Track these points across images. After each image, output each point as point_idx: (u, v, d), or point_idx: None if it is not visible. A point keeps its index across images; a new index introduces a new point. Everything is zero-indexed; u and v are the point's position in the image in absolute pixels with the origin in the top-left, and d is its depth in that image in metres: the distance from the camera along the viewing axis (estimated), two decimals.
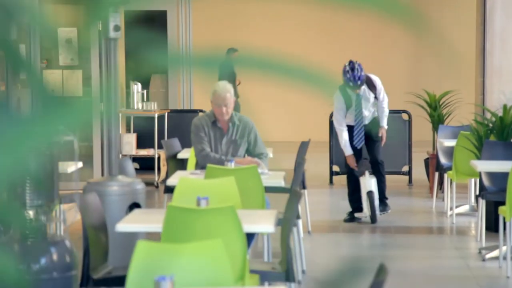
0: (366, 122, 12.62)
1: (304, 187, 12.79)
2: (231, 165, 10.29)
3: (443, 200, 14.45)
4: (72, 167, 10.77)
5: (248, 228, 7.70)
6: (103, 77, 10.89)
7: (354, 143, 12.39)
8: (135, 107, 17.87)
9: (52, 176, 6.84)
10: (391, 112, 17.66)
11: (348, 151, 12.37)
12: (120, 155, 15.35)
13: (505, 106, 11.50)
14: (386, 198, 11.90)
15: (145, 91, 18.17)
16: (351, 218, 12.90)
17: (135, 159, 16.82)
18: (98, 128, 15.11)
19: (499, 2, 15.88)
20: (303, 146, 12.80)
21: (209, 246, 6.25)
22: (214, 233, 7.25)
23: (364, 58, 24.12)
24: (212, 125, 10.84)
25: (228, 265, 6.31)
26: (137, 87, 17.92)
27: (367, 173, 11.07)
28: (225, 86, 10.81)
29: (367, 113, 12.62)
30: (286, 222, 8.27)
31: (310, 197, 14.03)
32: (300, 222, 11.26)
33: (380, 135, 12.44)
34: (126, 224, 7.76)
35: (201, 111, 11.63)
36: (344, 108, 12.41)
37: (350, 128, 12.67)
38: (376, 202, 11.70)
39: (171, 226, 7.46)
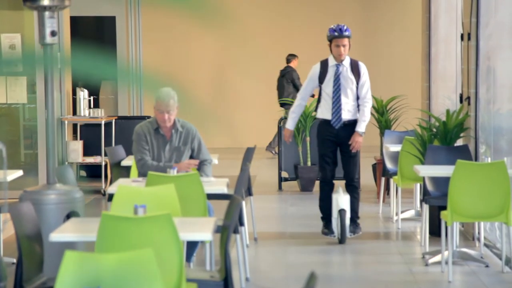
0: (344, 116, 10.91)
1: (250, 194, 12.77)
2: (173, 172, 10.24)
3: (389, 205, 14.53)
4: (12, 175, 10.74)
5: (185, 236, 7.73)
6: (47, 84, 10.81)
7: (332, 122, 10.87)
8: (82, 114, 17.77)
9: None
10: None
11: (288, 124, 11.38)
12: (66, 163, 15.32)
13: (448, 111, 11.57)
14: (358, 218, 10.78)
15: (91, 98, 18.14)
16: (327, 230, 11.44)
17: (82, 166, 16.79)
18: (44, 135, 14.85)
19: (443, 7, 16.09)
20: (249, 152, 12.74)
21: (138, 255, 6.13)
22: (150, 242, 7.07)
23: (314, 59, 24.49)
24: (155, 132, 10.86)
25: (158, 275, 6.18)
26: (83, 94, 17.87)
27: (340, 189, 10.12)
28: (169, 93, 10.73)
29: (345, 100, 10.84)
30: (225, 229, 8.21)
31: (257, 204, 14.02)
32: (245, 229, 11.28)
33: (350, 142, 10.67)
34: (61, 234, 7.66)
35: (149, 117, 11.52)
36: (316, 80, 11.04)
37: (327, 122, 11.06)
38: (347, 221, 10.56)
39: (106, 235, 7.25)
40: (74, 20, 19.06)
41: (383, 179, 14.71)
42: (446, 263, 9.80)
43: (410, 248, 12.36)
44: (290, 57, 22.76)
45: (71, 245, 7.68)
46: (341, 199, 9.99)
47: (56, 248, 7.69)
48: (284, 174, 17.83)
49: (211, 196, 10.05)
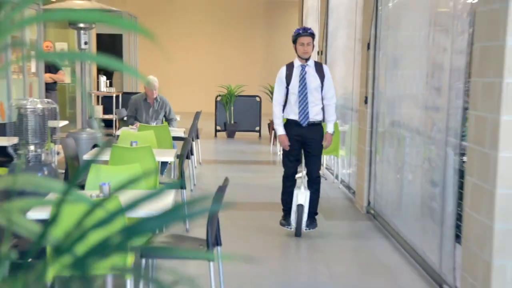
0: (310, 115, 7.64)
1: (197, 138, 12.83)
2: (154, 124, 10.38)
3: (276, 146, 14.12)
4: (62, 123, 10.87)
5: (159, 158, 7.86)
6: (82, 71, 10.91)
7: (300, 120, 7.56)
8: (102, 90, 17.82)
9: (44, 127, 6.77)
10: (251, 96, 17.68)
11: (280, 130, 7.75)
12: (93, 117, 15.48)
13: None
14: (316, 214, 7.83)
15: (108, 81, 18.13)
16: (285, 222, 8.05)
17: (103, 120, 16.89)
18: (80, 101, 15.04)
19: (312, 11, 15.10)
20: (197, 115, 12.88)
21: (131, 167, 6.28)
22: (138, 161, 6.95)
23: (236, 57, 24.41)
24: (144, 101, 10.88)
25: (142, 179, 6.30)
26: (103, 78, 17.92)
27: (302, 186, 7.53)
28: (155, 79, 10.91)
29: (311, 99, 7.61)
30: (181, 156, 8.48)
31: (202, 144, 14.17)
32: (194, 157, 11.35)
33: (323, 143, 7.66)
34: (89, 155, 7.79)
35: (139, 92, 11.64)
36: (284, 81, 7.64)
37: (293, 122, 7.69)
38: (305, 216, 7.73)
39: (114, 156, 7.47)
40: (98, 36, 19.06)
41: (272, 132, 14.34)
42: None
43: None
44: None
45: (94, 162, 7.98)
46: (301, 195, 7.46)
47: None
48: (218, 128, 17.71)
49: (174, 138, 10.06)
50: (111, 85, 18.47)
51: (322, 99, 7.54)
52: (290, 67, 7.53)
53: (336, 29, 12.23)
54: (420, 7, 7.31)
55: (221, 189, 5.43)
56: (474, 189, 5.09)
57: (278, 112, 7.57)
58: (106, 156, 7.42)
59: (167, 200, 5.38)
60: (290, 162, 7.63)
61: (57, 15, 1.54)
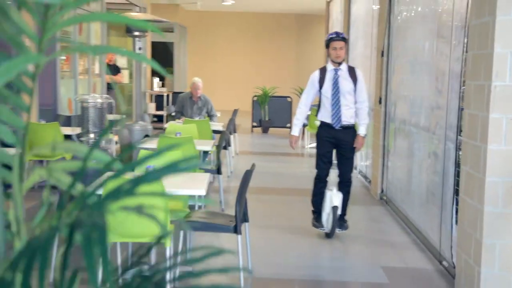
0: (343, 118, 6.74)
1: (235, 131, 12.87)
2: (197, 118, 10.45)
3: (304, 140, 14.35)
4: (117, 116, 11.07)
5: (199, 147, 7.88)
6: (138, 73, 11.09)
7: (333, 123, 6.70)
8: (155, 89, 17.95)
9: (103, 118, 6.96)
10: (283, 97, 17.61)
11: (294, 131, 7.12)
12: (146, 113, 15.69)
13: None
14: (345, 214, 6.97)
15: (161, 82, 18.29)
16: (317, 224, 7.13)
17: (154, 115, 17.10)
18: (135, 99, 15.19)
19: (336, 24, 15.05)
20: (235, 112, 12.84)
21: (174, 153, 6.07)
22: (181, 148, 7.06)
23: (270, 63, 24.49)
24: (189, 99, 11.02)
25: (182, 162, 6.45)
26: (156, 80, 18.11)
27: (334, 188, 6.74)
28: (199, 80, 11.03)
29: (344, 102, 6.71)
30: (219, 146, 8.53)
31: (239, 137, 14.32)
32: (231, 148, 11.47)
33: (355, 145, 6.76)
34: (141, 144, 7.51)
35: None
36: (317, 85, 6.81)
37: (326, 125, 6.81)
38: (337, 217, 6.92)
39: (162, 143, 7.44)
40: (153, 43, 19.29)
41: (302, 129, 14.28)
42: None
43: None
44: None
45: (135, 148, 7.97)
46: (335, 197, 6.66)
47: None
48: (254, 124, 17.67)
49: (214, 131, 10.00)
50: (163, 85, 18.67)
51: (355, 102, 6.72)
52: (323, 71, 6.76)
53: (356, 39, 12.27)
54: (424, 21, 7.35)
55: (248, 173, 5.61)
56: (468, 177, 5.13)
57: (299, 113, 6.94)
58: (154, 144, 7.53)
59: (203, 182, 5.45)
60: (323, 163, 6.82)
61: (90, 18, 1.71)
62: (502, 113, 4.73)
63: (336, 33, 6.74)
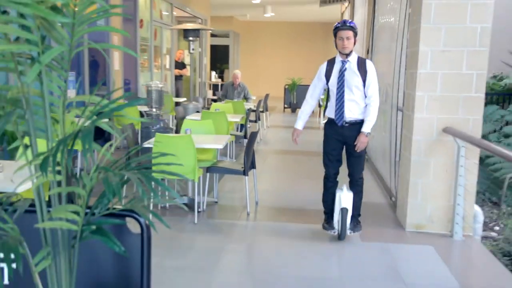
0: (347, 114, 4.83)
1: (266, 110, 12.86)
2: (236, 100, 10.44)
3: (320, 117, 13.87)
4: (180, 99, 11.50)
5: (230, 119, 7.81)
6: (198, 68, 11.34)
7: (335, 118, 4.87)
8: (212, 80, 18.15)
9: (161, 99, 7.05)
10: (307, 85, 17.00)
11: (297, 124, 5.15)
12: (198, 95, 15.99)
13: None
14: (359, 215, 5.18)
15: (217, 75, 18.62)
16: (327, 225, 5.13)
17: (212, 99, 17.31)
18: (194, 87, 15.37)
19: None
20: (266, 96, 12.94)
21: (207, 122, 6.29)
22: (217, 120, 7.29)
23: (300, 61, 24.52)
24: (231, 85, 11.16)
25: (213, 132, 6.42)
26: (213, 73, 18.44)
27: (345, 187, 4.98)
28: (238, 71, 11.25)
29: (350, 97, 4.80)
30: (246, 118, 8.53)
31: (272, 115, 14.54)
32: (260, 122, 11.51)
33: (355, 143, 4.82)
34: (190, 118, 7.66)
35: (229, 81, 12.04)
36: (323, 78, 4.95)
37: (332, 121, 4.93)
38: (348, 218, 4.98)
39: (203, 117, 7.31)
40: (212, 46, 19.58)
41: (320, 108, 13.95)
42: None
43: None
44: None
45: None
46: (344, 197, 4.90)
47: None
48: (285, 106, 17.55)
49: (248, 110, 9.69)
50: (220, 77, 19.04)
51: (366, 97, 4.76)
52: (331, 63, 4.90)
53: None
54: (388, 27, 7.46)
55: (253, 134, 5.77)
56: (404, 137, 5.44)
57: (303, 106, 5.05)
58: (198, 117, 7.61)
59: (223, 141, 5.61)
60: (330, 162, 4.96)
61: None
62: (424, 91, 5.08)
63: (344, 21, 4.73)
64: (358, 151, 4.75)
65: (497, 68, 10.27)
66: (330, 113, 4.87)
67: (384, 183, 6.86)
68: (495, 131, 7.52)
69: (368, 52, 9.06)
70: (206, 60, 16.82)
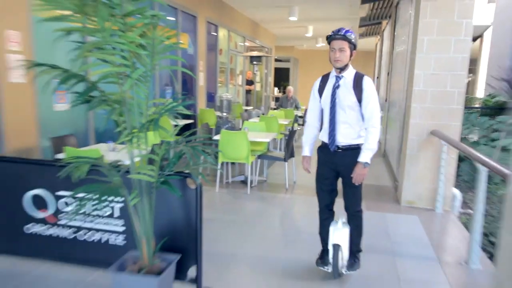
0: (339, 139, 2.90)
1: None
2: (288, 109, 10.30)
3: None
4: (248, 107, 11.60)
5: (281, 122, 7.71)
6: (264, 85, 11.19)
7: (328, 142, 2.95)
8: (275, 94, 17.99)
9: (230, 106, 6.91)
10: None
11: (304, 151, 3.10)
12: (262, 106, 15.86)
13: None
14: (358, 251, 3.11)
15: (280, 90, 18.36)
16: (319, 261, 3.23)
17: (274, 108, 17.13)
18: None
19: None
20: None
21: (260, 124, 6.27)
22: (269, 123, 7.37)
23: None
24: (285, 98, 10.83)
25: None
26: (276, 88, 18.37)
27: (340, 221, 3.03)
28: (291, 87, 10.99)
29: (343, 118, 2.86)
30: (294, 121, 8.10)
31: None
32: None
33: (352, 175, 2.84)
34: (251, 120, 7.62)
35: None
36: (317, 95, 3.01)
37: (324, 145, 3.02)
38: (345, 254, 3.07)
39: (261, 120, 7.19)
40: (276, 69, 19.24)
41: None
42: None
43: None
44: None
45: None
46: (337, 232, 3.05)
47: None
48: None
49: (296, 116, 9.41)
50: (283, 92, 18.96)
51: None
52: (325, 78, 3.18)
53: (382, 67, 11.33)
54: (400, 54, 7.34)
55: (292, 131, 5.83)
56: (405, 137, 5.38)
57: (305, 131, 3.27)
58: (257, 119, 7.62)
59: (270, 136, 5.58)
60: (322, 192, 3.21)
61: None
62: (418, 103, 5.11)
63: (339, 29, 2.99)
64: (356, 184, 3.05)
65: (492, 89, 9.95)
66: (324, 136, 3.14)
67: (392, 171, 6.86)
68: (485, 136, 7.44)
69: (388, 74, 9.05)
70: (271, 79, 16.93)
